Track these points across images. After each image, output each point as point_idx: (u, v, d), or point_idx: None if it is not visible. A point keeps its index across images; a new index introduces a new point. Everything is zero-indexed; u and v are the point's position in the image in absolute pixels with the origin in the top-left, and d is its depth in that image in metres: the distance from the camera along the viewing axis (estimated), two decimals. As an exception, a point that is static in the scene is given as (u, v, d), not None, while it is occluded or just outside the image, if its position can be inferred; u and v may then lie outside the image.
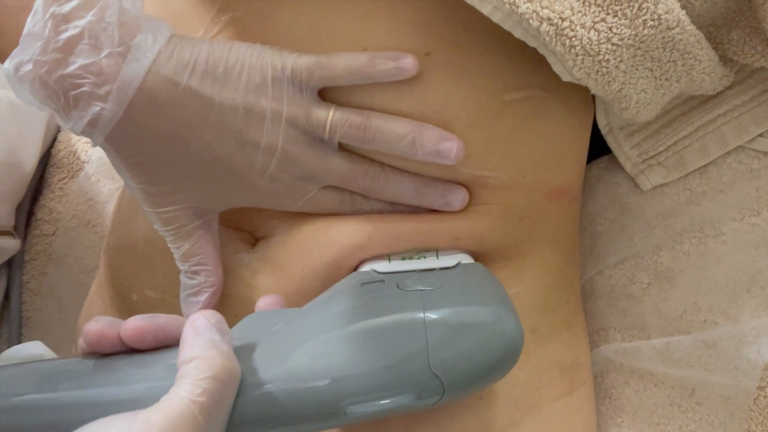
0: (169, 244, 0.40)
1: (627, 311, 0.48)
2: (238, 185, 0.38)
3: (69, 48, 0.34)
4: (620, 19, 0.35)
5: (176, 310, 0.42)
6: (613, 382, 0.48)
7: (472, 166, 0.39)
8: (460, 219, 0.40)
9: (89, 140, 0.37)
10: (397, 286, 0.36)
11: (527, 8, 0.34)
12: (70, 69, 0.34)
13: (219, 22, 0.40)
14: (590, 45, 0.35)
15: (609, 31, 0.35)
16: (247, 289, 0.41)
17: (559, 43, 0.34)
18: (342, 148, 0.39)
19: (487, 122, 0.39)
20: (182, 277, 0.41)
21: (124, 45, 0.34)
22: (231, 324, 0.34)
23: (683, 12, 0.35)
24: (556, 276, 0.44)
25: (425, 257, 0.40)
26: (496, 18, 0.35)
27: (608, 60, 0.35)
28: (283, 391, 0.32)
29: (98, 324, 0.33)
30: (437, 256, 0.40)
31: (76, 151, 0.61)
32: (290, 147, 0.37)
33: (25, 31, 0.34)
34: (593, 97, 0.43)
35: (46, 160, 0.61)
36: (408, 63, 0.37)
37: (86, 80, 0.34)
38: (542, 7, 0.34)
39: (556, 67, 0.36)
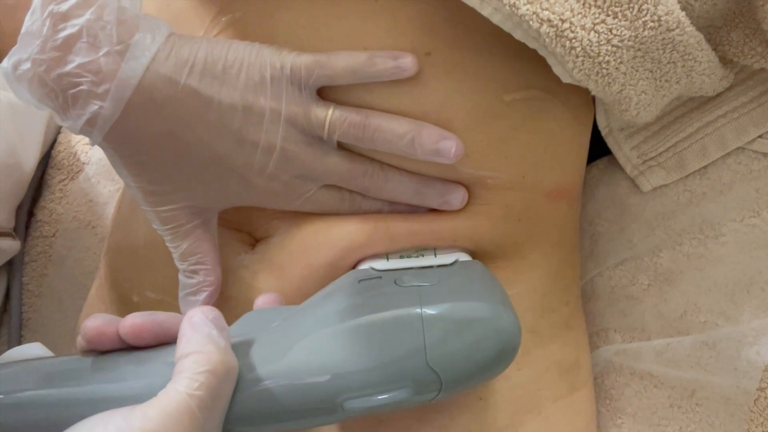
0: (167, 244, 0.40)
1: (627, 312, 0.48)
2: (237, 184, 0.38)
3: (67, 46, 0.33)
4: (620, 21, 0.35)
5: (176, 311, 0.41)
6: (613, 383, 0.48)
7: (472, 166, 0.39)
8: (459, 219, 0.41)
9: (88, 140, 0.36)
10: (395, 283, 0.36)
11: (527, 10, 0.34)
12: (69, 67, 0.34)
13: (219, 23, 0.40)
14: (590, 46, 0.35)
15: (609, 33, 0.35)
16: (248, 290, 0.41)
17: (559, 45, 0.34)
18: (341, 147, 0.39)
19: (486, 122, 0.39)
20: (181, 277, 0.40)
21: (122, 43, 0.34)
22: (230, 324, 0.34)
23: (683, 13, 0.35)
24: (556, 277, 0.44)
25: (423, 255, 0.41)
26: (496, 20, 0.35)
27: (608, 61, 0.35)
28: (281, 387, 0.32)
29: (97, 321, 0.33)
30: (435, 254, 0.41)
31: (76, 153, 0.61)
32: (289, 146, 0.37)
33: (23, 30, 0.34)
34: (593, 98, 0.43)
35: (46, 161, 0.61)
36: (407, 62, 0.37)
37: (84, 79, 0.34)
38: (542, 9, 0.34)
39: (556, 69, 0.36)
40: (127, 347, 0.34)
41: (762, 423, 0.42)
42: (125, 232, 0.47)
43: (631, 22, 0.35)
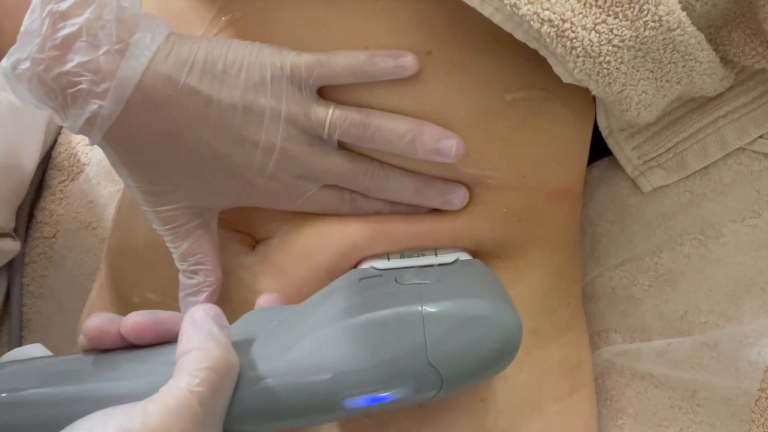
0: (168, 244, 0.40)
1: (628, 313, 0.48)
2: (237, 184, 0.38)
3: (67, 45, 0.33)
4: (621, 21, 0.35)
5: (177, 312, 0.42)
6: (614, 383, 0.47)
7: (472, 166, 0.39)
8: (460, 220, 0.40)
9: (88, 140, 0.36)
10: (395, 281, 0.36)
11: (528, 10, 0.34)
12: (68, 66, 0.33)
13: (218, 22, 0.40)
14: (591, 46, 0.35)
15: (610, 33, 0.35)
16: (248, 292, 0.41)
17: (560, 45, 0.34)
18: (341, 147, 0.39)
19: (487, 122, 0.39)
20: (181, 277, 0.40)
21: (122, 42, 0.34)
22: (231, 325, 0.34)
23: (684, 13, 0.35)
24: (557, 277, 0.44)
25: (424, 255, 0.41)
26: (496, 20, 0.35)
27: (609, 61, 0.35)
28: (282, 385, 0.32)
29: (98, 319, 0.34)
30: (436, 254, 0.41)
31: (76, 154, 0.61)
32: (289, 145, 0.37)
33: (22, 29, 0.33)
34: (594, 98, 0.43)
35: (46, 162, 0.61)
36: (408, 61, 0.37)
37: (84, 78, 0.34)
38: (543, 9, 0.34)
39: (557, 69, 0.36)
40: (129, 346, 0.34)
41: (763, 424, 0.42)
42: (125, 233, 0.47)
43: (632, 22, 0.35)
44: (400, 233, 0.40)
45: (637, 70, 0.37)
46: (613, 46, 0.35)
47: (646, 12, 0.34)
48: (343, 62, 0.37)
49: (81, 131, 0.35)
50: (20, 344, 0.58)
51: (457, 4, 0.35)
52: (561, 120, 0.41)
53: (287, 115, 0.37)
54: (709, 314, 0.45)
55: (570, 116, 0.41)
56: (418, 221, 0.40)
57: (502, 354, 0.33)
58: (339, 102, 0.38)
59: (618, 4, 0.34)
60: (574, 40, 0.34)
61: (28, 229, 0.60)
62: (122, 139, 0.36)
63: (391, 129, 0.37)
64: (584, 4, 0.34)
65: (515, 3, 0.33)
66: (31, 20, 0.33)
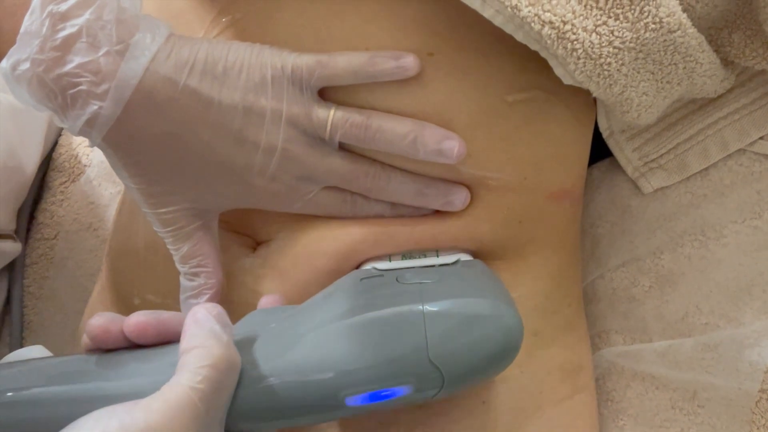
0: (168, 246, 0.40)
1: (628, 314, 0.48)
2: (237, 185, 0.38)
3: (67, 46, 0.33)
4: (622, 23, 0.35)
5: (178, 313, 0.42)
6: (614, 385, 0.47)
7: (474, 166, 0.39)
8: (460, 222, 0.40)
9: (88, 141, 0.36)
10: (396, 280, 0.36)
11: (529, 12, 0.34)
12: (68, 67, 0.33)
13: (219, 23, 0.40)
14: (592, 48, 0.35)
15: (610, 35, 0.35)
16: (250, 294, 0.41)
17: (560, 47, 0.34)
18: (342, 149, 0.39)
19: (489, 123, 0.39)
20: (182, 279, 0.40)
21: (122, 43, 0.34)
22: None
23: (684, 15, 0.35)
24: (558, 279, 0.44)
25: (425, 256, 0.41)
26: (497, 21, 0.35)
27: (610, 63, 0.35)
28: (284, 384, 0.32)
29: (102, 319, 0.34)
30: (437, 254, 0.41)
31: (77, 155, 0.61)
32: (290, 146, 0.37)
33: (22, 30, 0.33)
34: (595, 99, 0.43)
35: (47, 163, 0.61)
36: (409, 62, 0.37)
37: (84, 79, 0.34)
38: (544, 11, 0.34)
39: (558, 71, 0.36)
40: (132, 346, 0.34)
41: (764, 425, 0.42)
42: (126, 234, 0.47)
43: (632, 23, 0.35)
44: (402, 235, 0.40)
45: (638, 72, 0.37)
46: (614, 47, 0.35)
47: (646, 14, 0.34)
48: (344, 63, 0.37)
49: (81, 133, 0.35)
50: (21, 345, 0.58)
51: (458, 6, 0.35)
52: (562, 121, 0.41)
53: (288, 116, 0.37)
54: (710, 315, 0.45)
55: (571, 117, 0.41)
56: (419, 223, 0.40)
57: (504, 353, 0.33)
58: (340, 103, 0.38)
59: (619, 6, 0.34)
60: (575, 42, 0.34)
61: (29, 230, 0.60)
62: (122, 140, 0.36)
63: (393, 130, 0.37)
64: (585, 6, 0.34)
65: (516, 5, 0.34)
66: (31, 21, 0.33)
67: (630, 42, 0.35)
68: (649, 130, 0.46)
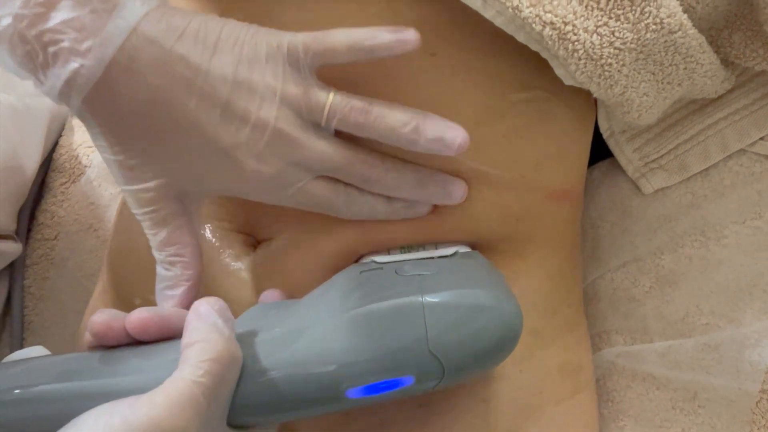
0: (146, 230, 0.38)
1: (629, 314, 0.48)
2: (222, 164, 0.36)
3: (52, 3, 0.32)
4: (623, 23, 0.35)
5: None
6: (615, 385, 0.48)
7: (475, 159, 0.39)
8: (459, 219, 0.40)
9: (68, 107, 0.34)
10: (396, 272, 0.36)
11: (530, 12, 0.34)
12: (51, 23, 0.32)
13: None
14: (593, 49, 0.35)
15: (611, 35, 0.35)
16: (251, 293, 0.41)
17: (561, 48, 0.35)
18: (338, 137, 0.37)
19: (491, 122, 0.39)
20: (158, 268, 0.38)
21: (111, 2, 0.32)
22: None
23: (685, 16, 0.35)
24: (557, 279, 0.44)
25: (424, 248, 0.41)
26: (498, 22, 0.35)
27: (610, 64, 0.35)
28: (285, 377, 0.32)
29: (104, 315, 0.34)
30: (436, 247, 0.41)
31: (77, 156, 0.61)
32: (283, 126, 0.35)
33: None
34: (595, 100, 0.43)
35: (47, 164, 0.61)
36: (410, 35, 0.35)
37: (67, 35, 0.32)
38: (545, 12, 0.34)
39: (559, 71, 0.36)
40: (134, 342, 0.34)
41: (764, 425, 0.42)
42: (127, 235, 0.47)
43: (633, 24, 0.35)
44: (400, 234, 0.40)
45: (639, 73, 0.37)
46: (615, 48, 0.35)
47: (647, 14, 0.34)
48: (341, 37, 0.35)
49: (60, 96, 0.33)
50: (22, 346, 0.58)
51: (460, 7, 0.35)
52: (563, 121, 0.41)
53: (283, 94, 0.35)
54: (711, 315, 0.45)
55: (572, 118, 0.41)
56: (417, 222, 0.40)
57: (503, 343, 0.33)
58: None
59: (620, 7, 0.34)
60: (576, 43, 0.34)
61: (29, 231, 0.60)
62: (102, 105, 0.34)
63: (394, 116, 0.36)
64: (586, 7, 0.34)
65: (517, 6, 0.34)
66: None
67: (631, 43, 0.35)
68: (650, 130, 0.46)
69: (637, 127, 0.46)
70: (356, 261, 0.41)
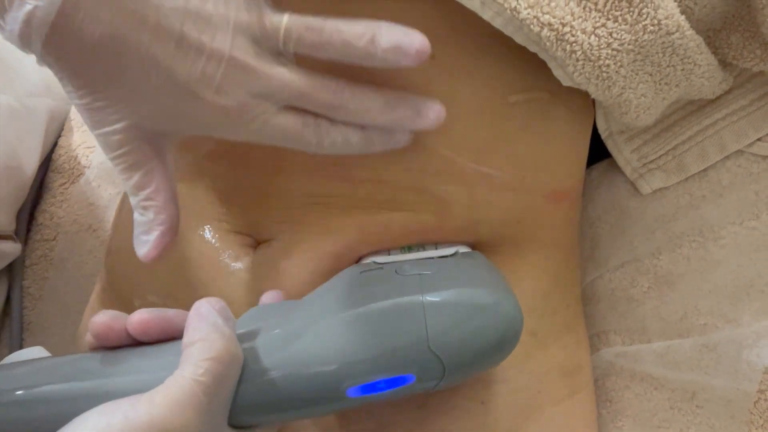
0: (119, 176, 0.37)
1: (627, 315, 0.48)
2: (182, 99, 0.34)
3: None
4: (620, 25, 0.35)
5: (179, 314, 0.41)
6: (613, 385, 0.48)
7: (476, 161, 0.39)
8: (459, 220, 0.41)
9: (32, 53, 0.34)
10: (396, 272, 0.36)
11: (528, 14, 0.34)
12: None
13: None
14: (591, 50, 0.35)
15: (609, 37, 0.35)
16: (251, 293, 0.41)
17: (559, 49, 0.35)
18: (300, 64, 0.36)
19: (491, 123, 0.39)
20: (135, 214, 0.38)
21: None
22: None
23: (683, 17, 0.35)
24: (556, 279, 0.44)
25: (424, 248, 0.41)
26: (497, 23, 0.35)
27: (608, 65, 0.35)
28: (286, 377, 0.32)
29: (105, 316, 0.34)
30: (436, 247, 0.41)
31: (76, 157, 0.61)
32: (239, 55, 0.34)
33: None
34: (593, 101, 0.43)
35: (46, 165, 0.61)
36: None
37: None
38: (543, 13, 0.34)
39: (557, 72, 0.37)
40: (135, 343, 0.34)
41: (762, 425, 0.42)
42: (126, 235, 0.47)
43: (631, 25, 0.35)
44: (399, 234, 0.40)
45: (636, 74, 0.37)
46: (613, 49, 0.35)
47: (645, 16, 0.35)
48: None
49: (22, 41, 0.33)
50: (21, 347, 0.58)
51: (458, 8, 0.35)
52: (562, 122, 0.41)
53: (237, 22, 0.34)
54: (709, 316, 0.45)
55: (570, 118, 0.41)
56: (417, 223, 0.40)
57: (503, 342, 0.33)
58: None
59: (617, 8, 0.35)
60: (574, 44, 0.35)
61: (28, 231, 0.60)
62: (61, 46, 0.33)
63: (349, 31, 0.34)
64: (584, 8, 0.34)
65: (515, 7, 0.34)
66: None
67: (628, 44, 0.35)
68: (648, 131, 0.46)
69: (635, 127, 0.46)
70: (356, 262, 0.41)
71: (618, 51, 0.35)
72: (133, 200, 0.37)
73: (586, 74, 0.36)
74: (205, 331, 0.31)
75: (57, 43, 0.33)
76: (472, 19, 0.36)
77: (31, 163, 0.58)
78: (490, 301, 0.33)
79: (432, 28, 0.37)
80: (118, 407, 0.28)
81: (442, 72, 0.38)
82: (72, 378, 0.33)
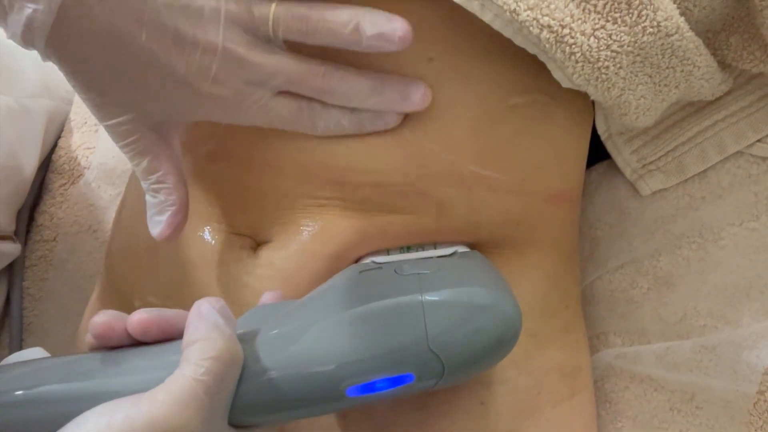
0: (129, 161, 0.38)
1: (627, 316, 0.48)
2: (182, 92, 0.36)
3: None
4: (620, 26, 0.35)
5: (178, 315, 0.41)
6: (613, 386, 0.48)
7: (476, 164, 0.39)
8: (458, 222, 0.41)
9: (35, 54, 0.35)
10: (395, 272, 0.36)
11: (528, 16, 0.34)
12: None
13: None
14: (590, 52, 0.35)
15: (609, 38, 0.35)
16: (251, 295, 0.41)
17: (559, 51, 0.35)
18: (292, 50, 0.37)
19: (490, 127, 0.39)
20: (146, 197, 0.39)
21: None
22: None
23: (682, 19, 0.35)
24: (555, 280, 0.44)
25: (423, 248, 0.41)
26: (496, 25, 0.35)
27: (608, 67, 0.35)
28: (286, 377, 0.32)
29: (105, 316, 0.34)
30: (435, 247, 0.41)
31: (76, 157, 0.61)
32: (231, 46, 0.35)
33: None
34: (593, 102, 0.43)
35: (46, 166, 0.61)
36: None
37: None
38: (542, 15, 0.34)
39: (556, 74, 0.37)
40: (135, 343, 0.34)
41: (761, 426, 0.42)
42: (126, 236, 0.47)
43: (630, 27, 0.35)
44: (398, 236, 0.40)
45: (636, 75, 0.37)
46: (612, 51, 0.35)
47: (644, 17, 0.35)
48: None
49: (25, 41, 0.34)
50: (21, 347, 0.58)
51: (458, 11, 0.35)
52: (562, 124, 0.41)
53: (227, 13, 0.35)
54: (708, 317, 0.45)
55: (570, 120, 0.41)
56: (417, 224, 0.40)
57: (502, 341, 0.34)
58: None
59: (617, 10, 0.35)
60: (573, 46, 0.35)
61: (28, 232, 0.60)
62: (63, 46, 0.35)
63: (335, 18, 0.35)
64: (583, 10, 0.35)
65: (515, 9, 0.34)
66: None
67: (628, 46, 0.35)
68: (647, 132, 0.46)
69: (634, 129, 0.46)
70: (355, 261, 0.41)
71: (617, 53, 0.35)
72: (144, 184, 0.38)
73: (586, 76, 0.36)
74: (205, 330, 0.31)
75: (58, 43, 0.34)
76: (470, 21, 0.36)
77: (30, 164, 0.58)
78: (489, 301, 0.33)
79: (431, 31, 0.37)
80: (118, 407, 0.29)
81: (440, 76, 0.38)
82: (72, 378, 0.33)
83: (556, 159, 0.41)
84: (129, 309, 0.46)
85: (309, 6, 0.35)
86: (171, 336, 0.34)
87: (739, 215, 0.45)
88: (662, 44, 0.36)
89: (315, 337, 0.33)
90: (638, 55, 0.36)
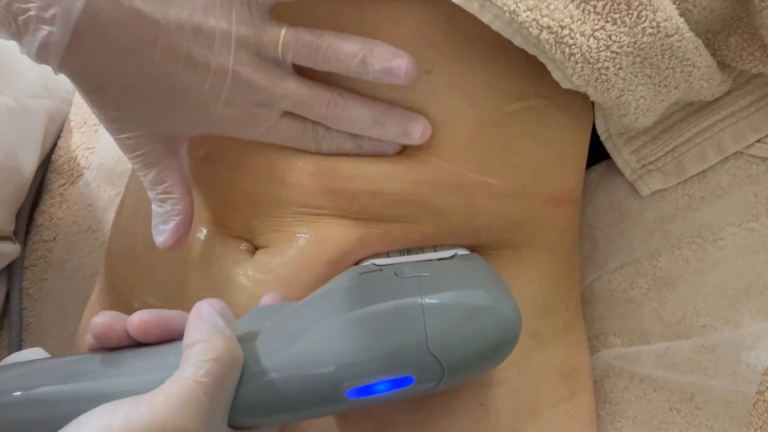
0: (138, 173, 0.39)
1: (626, 316, 0.48)
2: (193, 111, 0.37)
3: None
4: (619, 27, 0.35)
5: (178, 316, 0.41)
6: (612, 387, 0.48)
7: (475, 171, 0.39)
8: (458, 227, 0.41)
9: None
10: (395, 274, 0.36)
11: (527, 17, 0.34)
12: None
13: None
14: (590, 53, 0.35)
15: (608, 39, 0.35)
16: (250, 298, 0.41)
17: (558, 51, 0.35)
18: (301, 73, 0.38)
19: (489, 134, 0.39)
20: (153, 206, 0.40)
21: None
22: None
23: (682, 19, 0.35)
24: (555, 281, 0.44)
25: (423, 251, 0.41)
26: (496, 26, 0.35)
27: (607, 67, 0.35)
28: (286, 378, 0.32)
29: (105, 317, 0.34)
30: (435, 249, 0.41)
31: (76, 158, 0.61)
32: (241, 69, 0.36)
33: None
34: (592, 103, 0.43)
35: (46, 166, 0.61)
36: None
37: (33, 4, 0.33)
38: (542, 16, 0.34)
39: (556, 75, 0.37)
40: (135, 344, 0.34)
41: (761, 426, 0.42)
42: (125, 237, 0.47)
43: (630, 28, 0.35)
44: (397, 242, 0.40)
45: (636, 76, 0.37)
46: (612, 52, 0.35)
47: (644, 18, 0.35)
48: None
49: (40, 59, 0.35)
50: (20, 348, 0.58)
51: (456, 16, 0.35)
52: (560, 127, 0.41)
53: (238, 37, 0.35)
54: (708, 317, 0.45)
55: (569, 122, 0.41)
56: (416, 229, 0.40)
57: (502, 344, 0.33)
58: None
59: (616, 11, 0.34)
60: (573, 47, 0.34)
61: (27, 232, 0.60)
62: (77, 66, 0.35)
63: (343, 50, 0.36)
64: (583, 11, 0.34)
65: (514, 10, 0.34)
66: None
67: (627, 46, 0.35)
68: (647, 132, 0.46)
69: (634, 129, 0.46)
70: (355, 264, 0.41)
71: (617, 53, 0.35)
72: (151, 194, 0.39)
73: (585, 76, 0.36)
74: (205, 332, 0.31)
75: (72, 63, 0.35)
76: (469, 26, 0.36)
77: (29, 164, 0.58)
78: (488, 303, 0.33)
79: (428, 39, 0.37)
80: (118, 408, 0.29)
81: (438, 88, 0.38)
82: (72, 379, 0.33)
83: (556, 161, 0.41)
84: (128, 309, 0.46)
85: (317, 35, 0.36)
86: (171, 337, 0.34)
87: (739, 215, 0.45)
88: (662, 45, 0.36)
89: (315, 339, 0.33)
90: (638, 55, 0.36)
